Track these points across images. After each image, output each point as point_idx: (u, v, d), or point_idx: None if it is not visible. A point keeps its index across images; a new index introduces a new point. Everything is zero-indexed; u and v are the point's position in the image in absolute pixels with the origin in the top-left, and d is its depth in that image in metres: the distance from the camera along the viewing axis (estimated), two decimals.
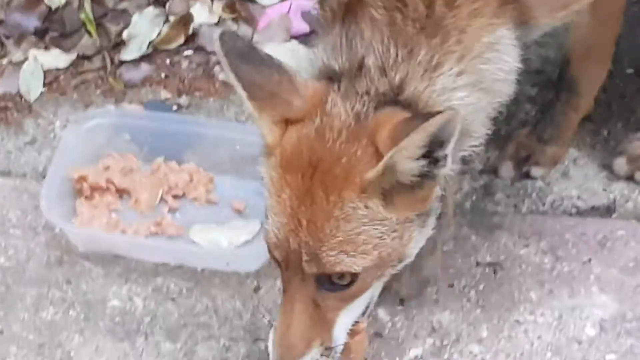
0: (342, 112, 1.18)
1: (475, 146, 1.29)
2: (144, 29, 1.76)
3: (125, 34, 1.73)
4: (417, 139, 1.09)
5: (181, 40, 1.76)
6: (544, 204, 1.52)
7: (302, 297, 1.25)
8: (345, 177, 1.16)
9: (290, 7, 1.83)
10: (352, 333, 1.31)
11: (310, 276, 1.22)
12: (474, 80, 1.25)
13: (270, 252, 1.26)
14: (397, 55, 1.20)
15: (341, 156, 1.17)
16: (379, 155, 1.15)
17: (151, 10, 1.80)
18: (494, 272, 1.38)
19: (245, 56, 1.19)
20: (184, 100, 1.73)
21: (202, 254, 1.46)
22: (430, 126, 1.08)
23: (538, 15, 1.35)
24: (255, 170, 1.53)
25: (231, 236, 1.48)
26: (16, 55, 1.74)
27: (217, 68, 1.76)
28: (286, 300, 1.26)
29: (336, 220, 1.19)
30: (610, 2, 1.60)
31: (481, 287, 1.37)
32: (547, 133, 1.65)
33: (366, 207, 1.19)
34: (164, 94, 1.71)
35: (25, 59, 1.71)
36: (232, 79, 1.18)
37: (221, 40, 1.16)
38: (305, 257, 1.20)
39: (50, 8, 1.79)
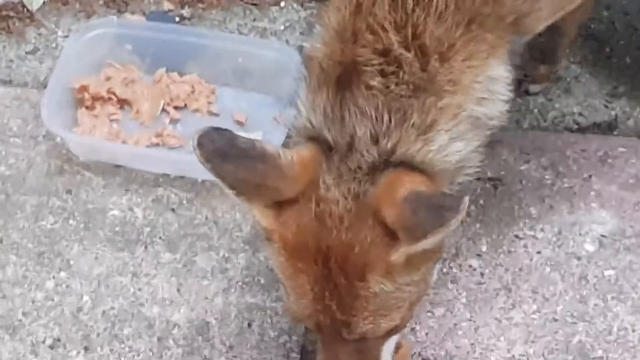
0: (339, 197, 1.12)
1: (470, 174, 1.25)
2: None
3: None
4: (436, 238, 1.04)
5: None
6: (545, 120, 1.53)
7: (345, 351, 1.23)
8: (364, 264, 1.11)
9: None
10: (396, 349, 1.31)
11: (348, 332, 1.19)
12: (471, 126, 1.21)
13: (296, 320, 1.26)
14: (390, 121, 1.15)
15: (352, 243, 1.12)
16: (390, 232, 1.09)
17: None
18: (494, 188, 1.39)
19: (226, 154, 1.12)
20: (186, 11, 1.72)
21: None
22: (450, 226, 1.02)
23: (535, 28, 1.34)
24: (257, 82, 1.56)
25: None
26: None
27: None
28: (328, 356, 1.24)
29: (365, 299, 1.16)
30: None
31: (481, 202, 1.38)
32: (538, 53, 1.65)
33: (393, 281, 1.16)
34: (167, 5, 1.70)
35: None
36: (217, 179, 1.12)
37: (199, 146, 1.10)
38: (342, 330, 1.17)
39: None
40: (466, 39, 1.18)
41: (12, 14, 1.66)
